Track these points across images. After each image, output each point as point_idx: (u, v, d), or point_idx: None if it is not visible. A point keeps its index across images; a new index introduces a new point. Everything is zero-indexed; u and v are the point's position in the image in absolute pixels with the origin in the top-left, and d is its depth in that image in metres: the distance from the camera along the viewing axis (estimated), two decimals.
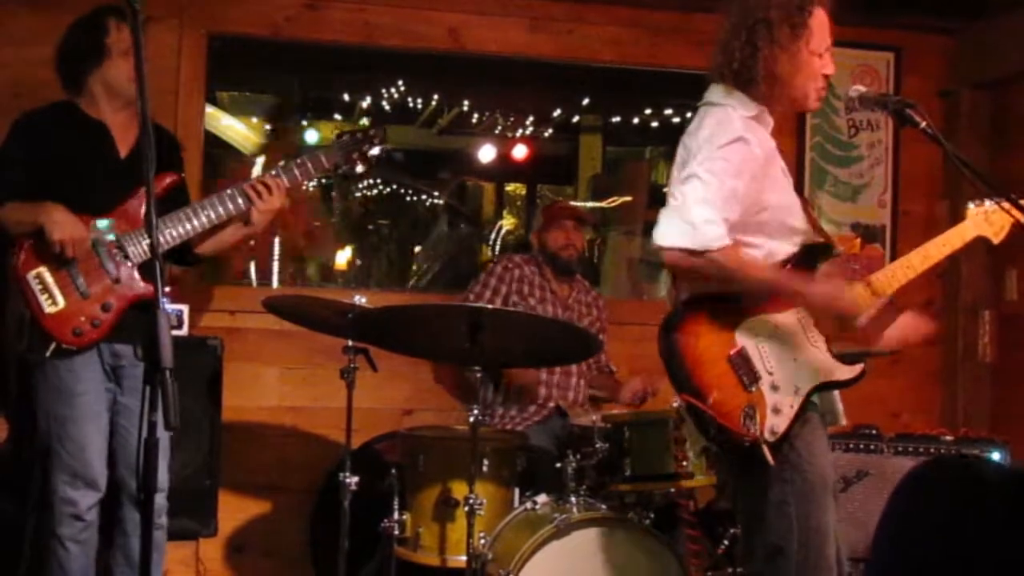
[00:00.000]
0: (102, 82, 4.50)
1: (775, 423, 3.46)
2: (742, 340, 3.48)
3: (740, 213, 3.47)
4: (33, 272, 4.29)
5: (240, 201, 4.53)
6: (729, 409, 3.45)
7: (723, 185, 3.43)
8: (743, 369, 3.49)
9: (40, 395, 4.40)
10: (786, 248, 3.60)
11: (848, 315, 3.55)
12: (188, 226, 4.44)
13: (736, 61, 3.58)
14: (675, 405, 3.74)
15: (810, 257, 3.63)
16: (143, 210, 4.35)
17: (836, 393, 3.70)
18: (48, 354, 4.30)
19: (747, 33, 3.56)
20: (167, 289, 4.42)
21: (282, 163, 4.74)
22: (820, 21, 3.59)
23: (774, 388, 3.49)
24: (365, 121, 10.04)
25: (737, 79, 3.59)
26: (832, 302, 3.54)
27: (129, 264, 4.37)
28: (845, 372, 3.61)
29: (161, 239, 4.34)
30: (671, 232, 3.43)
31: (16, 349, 4.39)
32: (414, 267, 11.12)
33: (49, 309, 4.28)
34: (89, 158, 4.47)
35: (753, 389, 3.47)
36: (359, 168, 4.75)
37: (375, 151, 4.81)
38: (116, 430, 4.48)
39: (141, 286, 4.37)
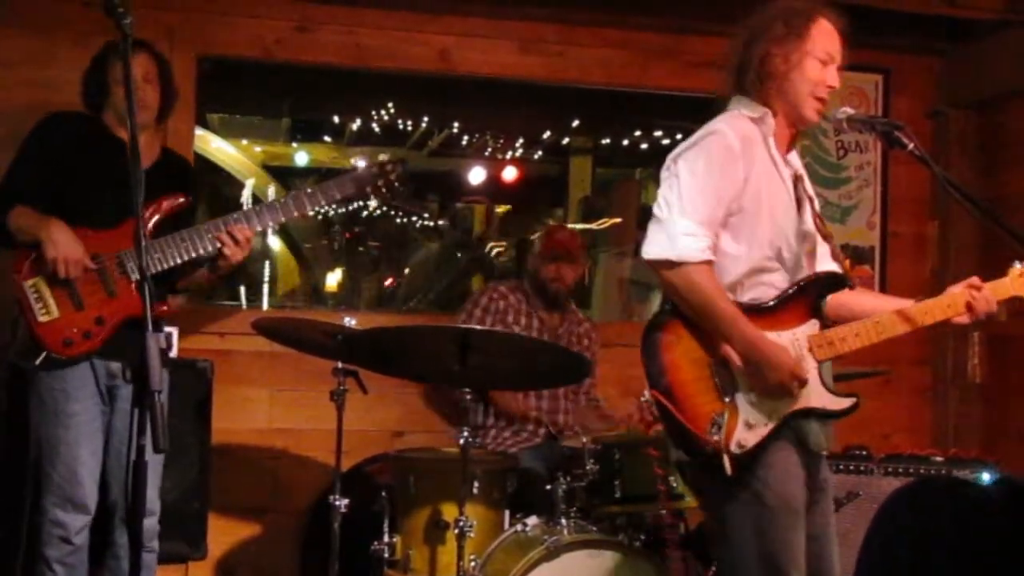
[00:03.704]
0: (112, 105, 4.54)
1: (744, 437, 3.42)
2: (731, 355, 3.46)
3: (725, 209, 3.49)
4: (31, 281, 4.32)
5: (209, 245, 4.50)
6: (698, 414, 3.42)
7: (704, 184, 3.46)
8: (722, 377, 3.45)
9: (33, 415, 4.41)
10: (767, 266, 3.57)
11: (779, 392, 3.45)
12: (178, 254, 4.43)
13: (737, 66, 3.62)
14: (643, 399, 3.71)
15: (814, 287, 3.58)
16: (150, 228, 4.36)
17: (831, 424, 3.67)
18: (37, 363, 4.31)
19: (750, 39, 3.60)
20: (164, 308, 4.45)
21: (293, 192, 4.70)
22: (824, 29, 3.58)
23: (751, 404, 3.45)
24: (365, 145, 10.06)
25: (739, 82, 3.62)
26: (775, 373, 3.40)
27: (128, 280, 4.37)
28: (833, 402, 3.54)
29: (158, 261, 4.35)
30: (653, 246, 3.47)
31: (8, 355, 4.41)
32: (401, 287, 11.14)
33: (42, 319, 4.30)
34: (101, 171, 4.45)
35: (728, 399, 3.44)
36: (373, 201, 4.72)
37: (394, 185, 4.75)
38: (110, 451, 4.47)
39: (137, 303, 4.35)
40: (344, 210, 11.89)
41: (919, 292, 3.72)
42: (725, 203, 3.49)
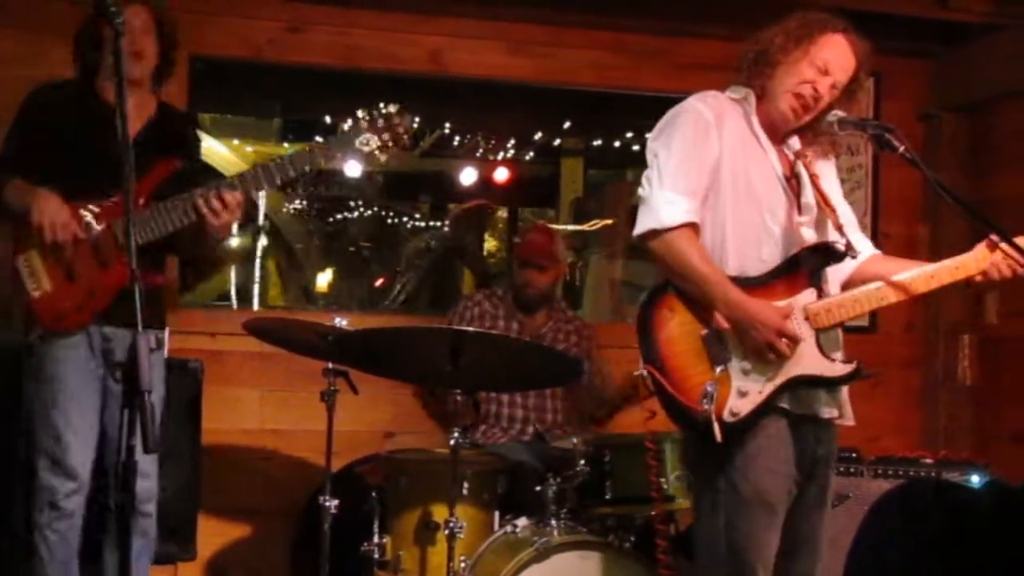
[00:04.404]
0: (104, 64, 4.46)
1: (737, 405, 3.45)
2: (721, 321, 3.48)
3: (707, 177, 3.57)
4: (23, 256, 4.30)
5: (191, 212, 4.33)
6: (691, 385, 3.47)
7: (680, 156, 3.55)
8: (714, 349, 3.49)
9: (26, 380, 4.39)
10: (750, 236, 3.60)
11: (769, 352, 3.45)
12: (169, 221, 4.31)
13: (746, 51, 3.72)
14: (637, 374, 3.74)
15: (809, 258, 3.59)
16: (142, 201, 4.30)
17: (844, 391, 3.68)
18: (33, 337, 4.30)
19: (767, 29, 3.71)
20: (159, 279, 4.49)
21: (289, 154, 4.47)
22: (835, 43, 3.64)
23: (744, 372, 3.47)
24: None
25: (740, 65, 3.72)
26: (760, 332, 3.42)
27: (121, 252, 4.27)
28: (832, 369, 3.55)
29: (151, 231, 4.27)
30: (639, 223, 3.57)
31: (5, 331, 4.42)
32: (397, 287, 11.11)
33: (35, 293, 4.28)
34: (90, 142, 4.36)
35: (719, 370, 3.46)
36: (381, 157, 4.49)
37: (401, 138, 4.48)
38: (110, 417, 4.41)
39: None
40: (336, 212, 11.89)
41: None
42: (706, 170, 3.58)
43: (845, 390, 3.68)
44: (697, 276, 3.48)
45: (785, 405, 3.53)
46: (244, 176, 4.42)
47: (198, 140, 4.83)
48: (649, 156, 3.63)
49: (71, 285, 4.30)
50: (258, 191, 4.52)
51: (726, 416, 3.44)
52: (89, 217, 4.32)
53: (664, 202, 3.51)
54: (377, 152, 4.46)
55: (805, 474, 3.62)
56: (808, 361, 3.52)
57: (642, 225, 3.55)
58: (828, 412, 3.63)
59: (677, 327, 3.53)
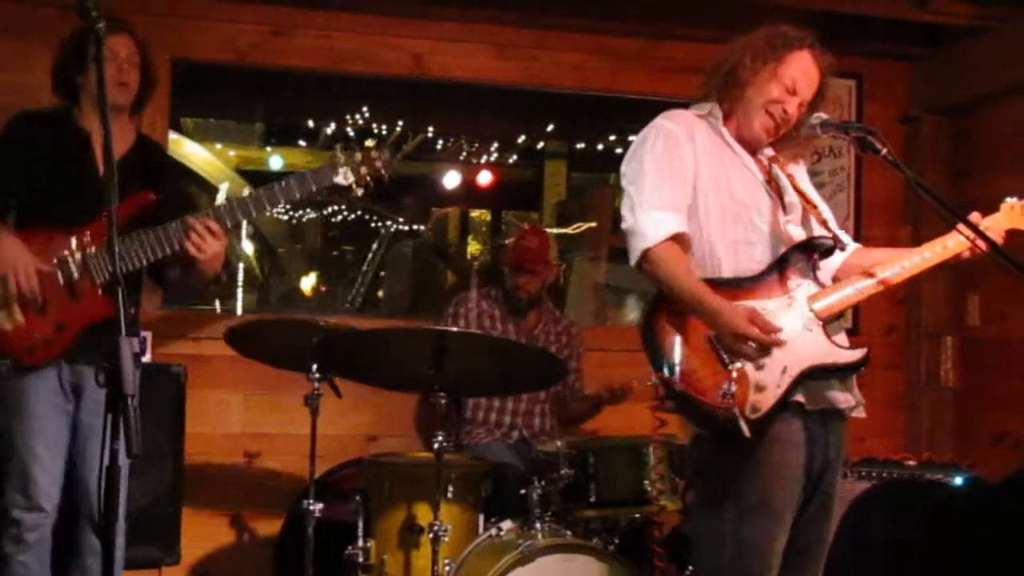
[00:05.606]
0: (88, 89, 4.43)
1: (757, 400, 3.43)
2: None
3: (687, 188, 3.57)
4: None
5: (175, 243, 4.32)
6: (707, 386, 3.44)
7: (654, 175, 3.56)
8: (723, 349, 3.48)
9: None
10: (739, 238, 3.61)
11: (762, 354, 3.45)
12: (143, 255, 4.33)
13: (713, 68, 3.73)
14: (651, 383, 3.74)
15: (800, 252, 3.61)
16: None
17: (855, 384, 3.69)
18: (3, 371, 4.27)
19: (733, 47, 3.71)
20: (131, 311, 4.36)
21: (266, 187, 4.49)
22: (801, 60, 3.65)
23: (759, 367, 3.46)
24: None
25: (708, 83, 3.73)
26: (742, 339, 3.42)
27: (92, 283, 4.30)
28: (843, 356, 3.56)
29: (123, 263, 4.26)
30: (631, 250, 3.56)
31: None
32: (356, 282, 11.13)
33: (6, 326, 4.25)
34: (69, 170, 4.39)
35: (733, 368, 3.44)
36: (359, 191, 4.52)
37: (380, 173, 4.47)
38: (81, 450, 4.41)
39: (101, 307, 4.30)
40: (318, 213, 11.89)
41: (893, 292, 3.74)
42: (687, 181, 3.58)
43: (855, 383, 3.69)
44: (679, 289, 3.48)
45: (800, 399, 3.52)
46: (218, 208, 4.40)
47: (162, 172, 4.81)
48: (624, 183, 3.64)
49: (42, 318, 4.27)
50: (234, 224, 4.48)
51: (748, 412, 3.42)
52: (64, 252, 4.30)
53: (648, 220, 3.51)
54: (355, 186, 4.47)
55: (814, 480, 3.61)
56: (821, 349, 3.53)
57: (635, 250, 3.53)
58: (844, 401, 3.64)
59: (682, 332, 3.52)
